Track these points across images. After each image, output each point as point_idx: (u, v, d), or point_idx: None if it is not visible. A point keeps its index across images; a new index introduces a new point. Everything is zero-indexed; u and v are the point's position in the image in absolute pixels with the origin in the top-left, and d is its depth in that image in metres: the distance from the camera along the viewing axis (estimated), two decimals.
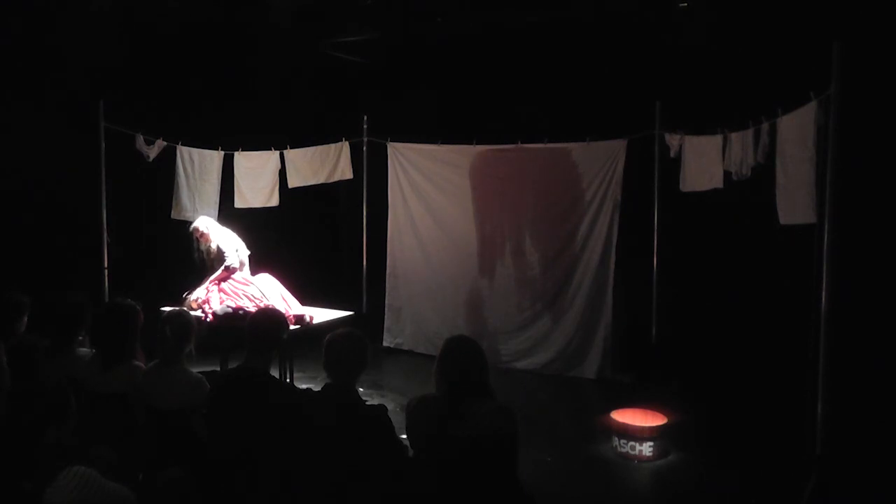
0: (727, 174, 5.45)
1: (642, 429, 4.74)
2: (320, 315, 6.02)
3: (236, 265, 5.96)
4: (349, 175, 7.57)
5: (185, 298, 5.89)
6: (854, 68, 4.20)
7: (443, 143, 7.23)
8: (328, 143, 7.49)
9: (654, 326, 6.50)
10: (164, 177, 6.97)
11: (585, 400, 6.07)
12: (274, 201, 7.38)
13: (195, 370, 3.62)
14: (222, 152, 7.20)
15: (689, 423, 4.99)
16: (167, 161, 6.95)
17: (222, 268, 5.91)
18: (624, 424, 4.80)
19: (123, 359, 3.53)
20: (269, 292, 5.84)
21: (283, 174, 7.37)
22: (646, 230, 6.48)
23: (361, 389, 4.33)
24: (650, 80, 6.42)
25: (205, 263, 6.06)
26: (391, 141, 7.52)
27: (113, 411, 3.43)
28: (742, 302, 6.05)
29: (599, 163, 6.56)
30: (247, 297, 5.79)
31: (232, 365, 4.22)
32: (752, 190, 5.25)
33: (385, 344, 7.58)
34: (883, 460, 4.29)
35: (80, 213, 6.58)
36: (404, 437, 3.07)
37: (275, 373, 5.15)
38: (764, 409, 5.28)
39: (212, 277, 5.92)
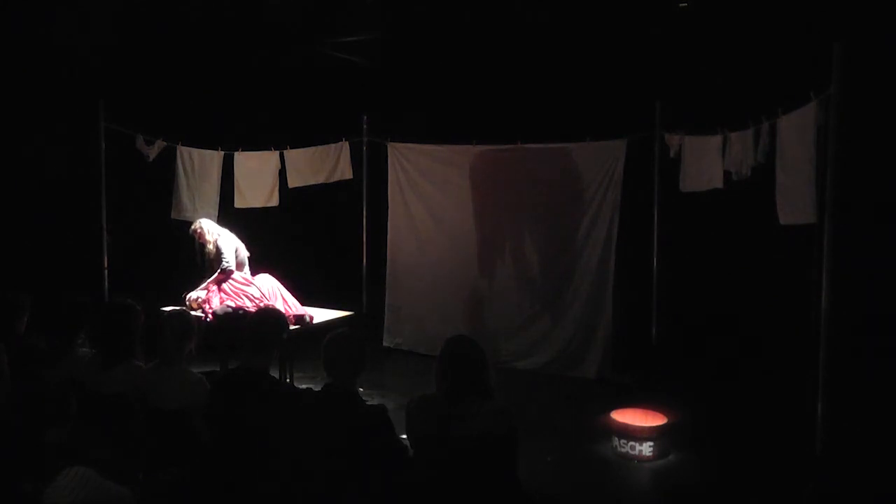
0: (727, 174, 5.45)
1: (642, 429, 4.74)
2: (320, 315, 6.02)
3: (232, 268, 5.96)
4: (349, 175, 7.56)
5: (185, 298, 5.89)
6: (854, 68, 4.20)
7: (443, 143, 7.22)
8: (328, 143, 7.49)
9: (654, 326, 6.50)
10: (164, 177, 6.97)
11: (585, 400, 6.06)
12: (274, 201, 7.38)
13: (195, 370, 3.62)
14: (222, 152, 7.20)
15: (689, 423, 4.99)
16: (167, 161, 6.95)
17: (219, 270, 5.90)
18: (624, 424, 4.80)
19: (123, 359, 3.53)
20: (269, 292, 5.84)
21: (283, 174, 7.37)
22: (646, 230, 6.47)
23: (361, 389, 4.33)
24: (650, 79, 6.41)
25: (205, 264, 6.06)
26: (391, 141, 7.52)
27: (113, 411, 3.42)
28: (742, 302, 6.05)
29: (599, 163, 6.55)
30: (247, 297, 5.79)
31: (232, 365, 4.22)
32: (752, 190, 5.25)
33: (385, 344, 7.57)
34: (883, 460, 4.29)
35: (80, 213, 6.58)
36: (404, 437, 3.07)
37: (275, 373, 5.16)
38: (764, 410, 5.27)
39: (209, 280, 5.92)
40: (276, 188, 7.37)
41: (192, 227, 6.14)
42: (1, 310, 3.92)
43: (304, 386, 5.54)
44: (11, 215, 6.20)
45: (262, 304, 5.63)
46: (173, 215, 7.02)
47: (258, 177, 7.34)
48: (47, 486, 2.11)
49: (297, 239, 7.97)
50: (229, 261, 5.94)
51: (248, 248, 6.26)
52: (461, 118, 7.28)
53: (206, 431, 3.31)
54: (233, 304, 5.73)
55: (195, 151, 7.10)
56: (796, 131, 4.60)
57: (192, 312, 5.55)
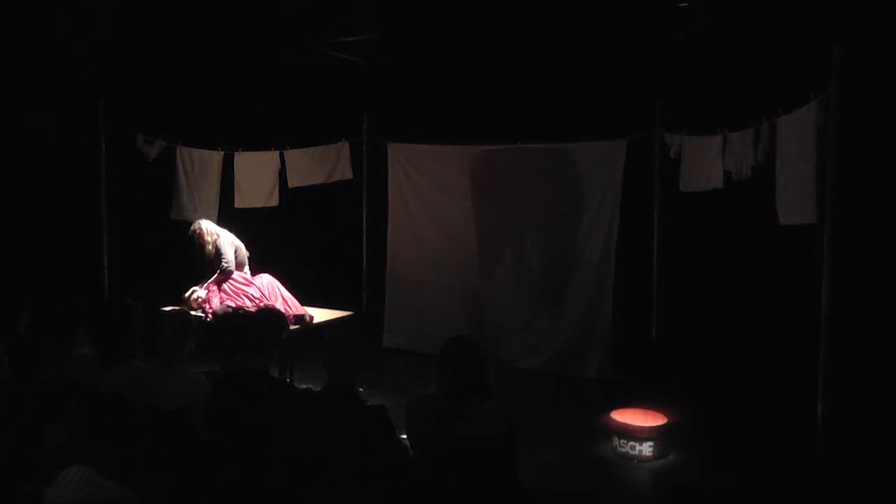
0: (727, 174, 5.45)
1: (642, 429, 4.74)
2: (320, 315, 6.02)
3: (232, 268, 5.96)
4: (349, 175, 7.57)
5: (186, 298, 5.89)
6: (854, 68, 4.20)
7: (443, 143, 7.22)
8: (328, 143, 7.49)
9: (654, 326, 6.50)
10: (164, 177, 6.97)
11: (585, 400, 6.06)
12: (274, 201, 7.38)
13: (195, 370, 3.62)
14: (222, 152, 7.20)
15: (689, 423, 4.99)
16: (167, 161, 6.95)
17: (218, 271, 5.90)
18: (624, 424, 4.80)
19: (123, 358, 3.54)
20: (269, 292, 5.84)
21: (283, 174, 7.37)
22: (646, 230, 6.47)
23: (361, 389, 4.32)
24: (650, 79, 6.41)
25: (205, 264, 6.06)
26: (391, 141, 7.52)
27: (113, 411, 3.42)
28: (742, 302, 6.05)
29: (599, 163, 6.55)
30: (247, 297, 5.79)
31: (232, 365, 4.22)
32: (752, 190, 5.25)
33: (385, 344, 7.56)
34: (883, 460, 4.29)
35: (80, 212, 6.58)
36: (404, 437, 3.07)
37: (275, 373, 5.16)
38: (764, 409, 5.27)
39: (209, 280, 5.92)
40: (276, 188, 7.37)
41: (192, 227, 6.14)
42: (1, 310, 3.92)
43: (304, 386, 5.54)
44: (11, 215, 6.20)
45: (262, 304, 5.63)
46: (173, 215, 7.01)
47: (258, 177, 7.33)
48: (47, 486, 2.11)
49: (297, 239, 7.97)
50: (229, 261, 5.94)
51: (248, 248, 6.26)
52: (461, 118, 7.27)
53: (206, 431, 3.31)
54: (233, 304, 5.73)
55: (195, 151, 7.10)
56: (796, 131, 4.60)
57: (192, 312, 5.56)
